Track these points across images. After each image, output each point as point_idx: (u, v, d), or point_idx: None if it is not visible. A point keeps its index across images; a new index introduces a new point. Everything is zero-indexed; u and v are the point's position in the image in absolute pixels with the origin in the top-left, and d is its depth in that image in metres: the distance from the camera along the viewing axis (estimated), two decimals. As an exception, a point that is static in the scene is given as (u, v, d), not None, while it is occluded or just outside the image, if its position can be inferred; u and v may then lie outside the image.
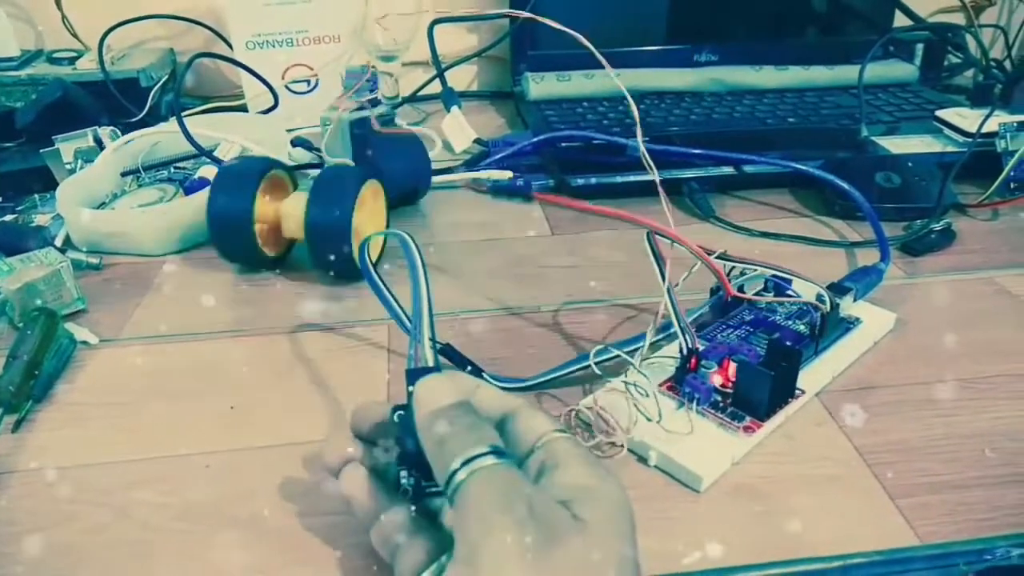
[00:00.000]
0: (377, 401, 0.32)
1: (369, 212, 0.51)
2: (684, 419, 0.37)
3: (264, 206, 0.51)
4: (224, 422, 0.39)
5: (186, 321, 0.48)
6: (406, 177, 0.60)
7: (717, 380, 0.39)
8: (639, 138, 0.43)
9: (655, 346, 0.41)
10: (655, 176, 0.42)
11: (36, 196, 0.63)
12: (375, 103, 0.54)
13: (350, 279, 0.51)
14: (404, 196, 0.61)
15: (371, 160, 0.54)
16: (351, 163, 0.53)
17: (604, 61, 0.44)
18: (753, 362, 0.37)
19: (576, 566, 0.23)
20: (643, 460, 0.36)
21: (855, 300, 0.45)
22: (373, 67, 0.56)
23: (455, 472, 0.25)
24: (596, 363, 0.39)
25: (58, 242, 0.56)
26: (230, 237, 0.51)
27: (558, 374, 0.41)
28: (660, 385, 0.39)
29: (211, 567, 0.32)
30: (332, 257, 0.48)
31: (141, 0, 0.83)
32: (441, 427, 0.27)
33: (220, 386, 0.42)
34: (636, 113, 0.44)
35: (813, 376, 0.40)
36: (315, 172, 0.52)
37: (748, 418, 0.37)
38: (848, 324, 0.44)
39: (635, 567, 0.25)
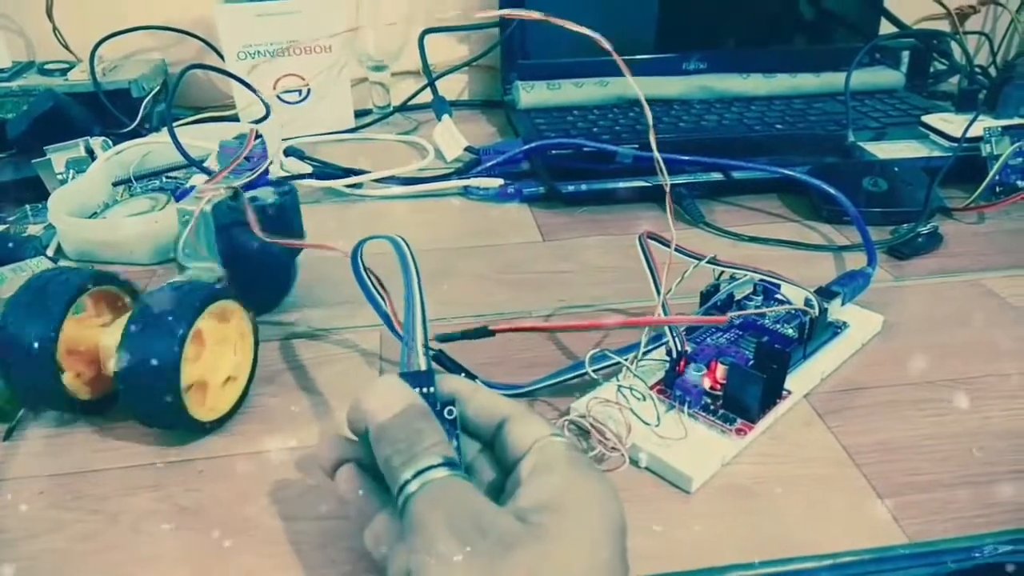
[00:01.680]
0: None
1: (218, 345, 0.39)
2: (675, 421, 0.37)
3: (76, 334, 0.37)
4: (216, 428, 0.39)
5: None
6: (269, 290, 0.49)
7: (707, 383, 0.39)
8: (652, 140, 0.42)
9: (645, 351, 0.41)
10: (666, 181, 0.41)
11: (27, 207, 0.63)
12: (258, 183, 0.43)
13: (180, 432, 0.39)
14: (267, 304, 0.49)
15: (240, 263, 0.42)
16: (216, 268, 0.42)
17: (620, 61, 0.43)
18: (743, 364, 0.38)
19: (524, 573, 0.23)
20: (634, 462, 0.36)
21: (843, 304, 0.46)
22: (258, 133, 0.46)
23: (405, 484, 0.25)
24: (593, 370, 0.39)
25: (50, 252, 0.56)
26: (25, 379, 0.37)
27: (554, 381, 0.41)
28: (650, 388, 0.39)
29: (204, 572, 0.32)
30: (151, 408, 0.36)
31: (132, 11, 0.84)
32: (391, 438, 0.27)
33: (212, 393, 0.42)
34: (650, 116, 0.43)
35: (802, 379, 0.41)
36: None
37: (739, 420, 0.37)
38: (836, 328, 0.45)
39: (612, 570, 0.25)
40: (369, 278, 0.40)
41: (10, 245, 0.54)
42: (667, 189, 0.41)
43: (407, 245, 0.34)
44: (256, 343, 0.41)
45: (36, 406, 0.40)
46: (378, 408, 0.28)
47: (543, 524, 0.25)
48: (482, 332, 0.41)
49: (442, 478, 0.25)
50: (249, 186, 0.44)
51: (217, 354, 0.39)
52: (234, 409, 0.40)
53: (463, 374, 0.41)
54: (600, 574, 0.24)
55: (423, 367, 0.30)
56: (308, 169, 0.69)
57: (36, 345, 0.36)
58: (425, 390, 0.29)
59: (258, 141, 0.45)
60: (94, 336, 0.38)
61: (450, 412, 0.29)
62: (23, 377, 0.37)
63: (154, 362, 0.34)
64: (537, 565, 0.23)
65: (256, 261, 0.44)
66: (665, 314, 0.38)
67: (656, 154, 0.42)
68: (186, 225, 0.41)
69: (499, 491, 0.29)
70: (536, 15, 0.43)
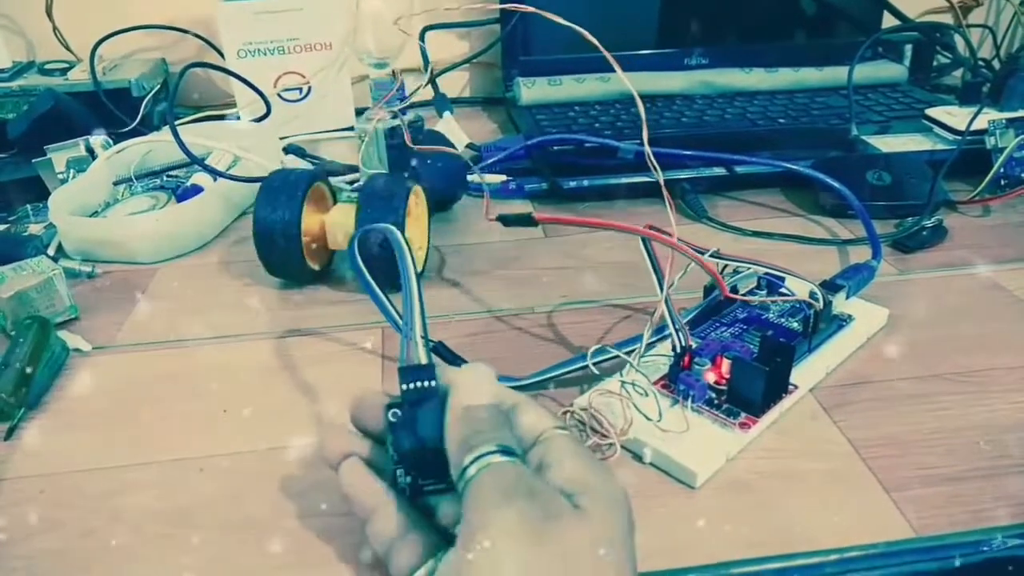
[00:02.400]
0: (376, 391, 0.31)
1: (415, 219, 0.51)
2: (679, 416, 0.37)
3: (309, 218, 0.50)
4: (217, 426, 0.39)
5: (178, 328, 0.48)
6: (443, 184, 0.59)
7: (711, 377, 0.39)
8: (644, 134, 0.42)
9: (648, 345, 0.41)
10: (659, 176, 0.41)
11: (28, 207, 0.63)
12: (404, 112, 0.53)
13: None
14: (440, 203, 0.61)
15: (410, 168, 0.53)
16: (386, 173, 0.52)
17: (610, 57, 0.43)
18: (747, 358, 0.37)
19: (575, 547, 0.24)
20: (638, 458, 0.36)
21: (848, 297, 0.45)
22: (401, 75, 0.56)
23: (467, 467, 0.26)
24: (594, 363, 0.39)
25: (51, 251, 0.56)
26: (277, 251, 0.49)
27: (555, 373, 0.41)
28: (654, 383, 0.39)
29: (205, 570, 0.31)
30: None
31: (132, 11, 0.83)
32: (467, 422, 0.28)
33: (213, 391, 0.42)
34: (642, 109, 0.43)
35: (807, 372, 0.40)
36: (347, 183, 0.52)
37: (743, 414, 0.37)
38: (841, 321, 0.44)
39: (631, 561, 0.25)
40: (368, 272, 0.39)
41: (10, 244, 0.54)
42: (662, 182, 0.41)
43: (403, 236, 0.33)
44: (429, 223, 0.54)
45: (282, 276, 0.52)
46: (468, 393, 0.29)
47: (584, 505, 0.26)
48: (526, 219, 0.45)
49: (499, 462, 0.26)
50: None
51: (413, 224, 0.50)
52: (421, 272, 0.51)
53: (462, 365, 0.41)
54: (628, 556, 0.25)
55: (423, 360, 0.29)
56: (309, 166, 0.69)
57: (286, 227, 0.48)
58: (426, 384, 0.29)
59: (401, 79, 0.58)
60: (318, 220, 0.51)
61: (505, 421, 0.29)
62: (275, 252, 0.49)
63: (391, 221, 0.44)
64: (585, 539, 0.25)
65: (419, 166, 0.54)
66: (668, 306, 0.38)
67: (647, 148, 0.42)
68: (363, 142, 0.51)
69: None
70: (528, 8, 0.43)
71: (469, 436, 0.27)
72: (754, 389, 0.37)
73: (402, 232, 0.43)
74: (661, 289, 0.39)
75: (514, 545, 0.24)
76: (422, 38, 0.85)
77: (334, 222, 0.50)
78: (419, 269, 0.51)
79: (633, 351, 0.39)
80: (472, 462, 0.26)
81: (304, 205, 0.49)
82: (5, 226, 0.61)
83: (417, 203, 0.52)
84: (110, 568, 0.32)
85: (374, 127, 0.51)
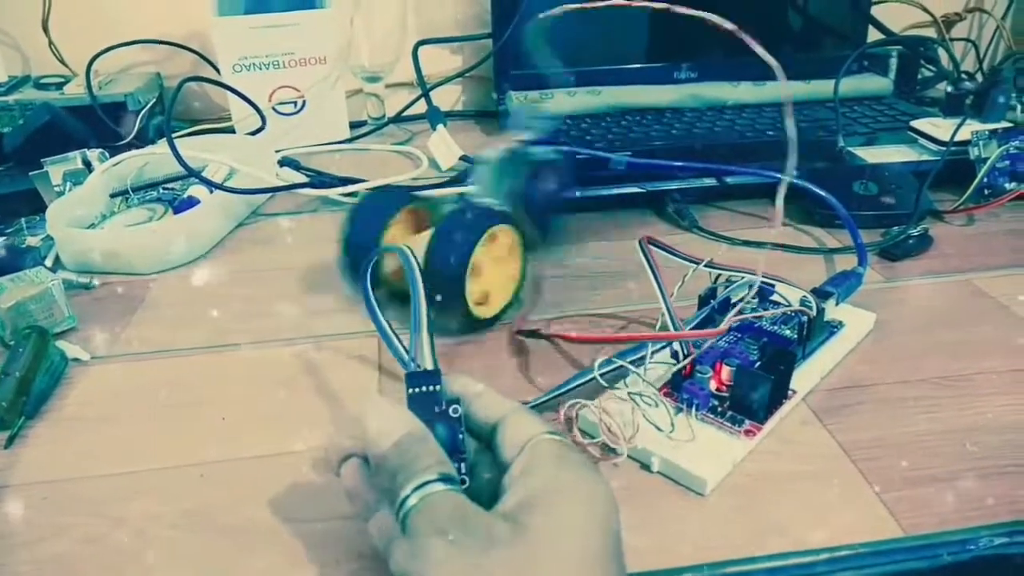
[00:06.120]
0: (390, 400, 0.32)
1: (494, 261, 0.48)
2: (684, 425, 0.37)
3: (394, 238, 0.49)
4: (216, 433, 0.40)
5: (176, 337, 0.48)
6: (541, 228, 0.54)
7: (712, 385, 0.39)
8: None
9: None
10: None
11: (23, 220, 0.63)
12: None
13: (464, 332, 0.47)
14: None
15: (519, 200, 0.50)
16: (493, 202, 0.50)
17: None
18: (749, 367, 0.38)
19: (509, 571, 0.24)
20: (645, 467, 0.36)
21: (837, 303, 0.46)
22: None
23: (405, 499, 0.26)
24: (600, 375, 0.39)
25: (48, 263, 0.56)
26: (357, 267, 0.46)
27: (566, 389, 0.40)
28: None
29: (208, 575, 0.32)
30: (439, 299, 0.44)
31: (127, 26, 0.84)
32: (391, 464, 0.28)
33: (211, 399, 0.42)
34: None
35: (802, 378, 0.41)
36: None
37: (748, 421, 0.37)
38: (833, 327, 0.45)
39: (601, 567, 0.25)
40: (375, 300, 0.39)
41: (8, 256, 0.54)
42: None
43: (414, 256, 0.34)
44: (524, 260, 0.50)
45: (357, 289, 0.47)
46: (377, 436, 0.28)
47: (527, 522, 0.25)
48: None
49: (438, 492, 0.26)
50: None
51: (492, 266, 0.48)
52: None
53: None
54: (586, 571, 0.25)
55: (429, 366, 0.30)
56: (304, 179, 0.70)
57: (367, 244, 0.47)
58: (431, 388, 0.30)
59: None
60: (404, 239, 0.49)
61: (455, 411, 0.29)
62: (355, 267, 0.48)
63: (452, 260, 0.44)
64: (519, 561, 0.24)
65: (530, 203, 0.51)
66: (671, 317, 0.39)
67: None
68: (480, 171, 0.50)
69: (496, 490, 0.29)
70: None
71: (395, 476, 0.27)
72: (758, 396, 0.37)
73: (464, 267, 0.44)
74: (663, 298, 0.40)
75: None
76: (415, 53, 0.86)
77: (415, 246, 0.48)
78: (510, 302, 0.49)
79: (638, 361, 0.39)
80: (413, 491, 0.26)
81: (392, 225, 0.49)
82: (2, 238, 0.61)
83: (498, 245, 0.48)
84: (113, 572, 0.32)
85: (493, 154, 0.50)
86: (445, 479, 0.27)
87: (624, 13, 0.85)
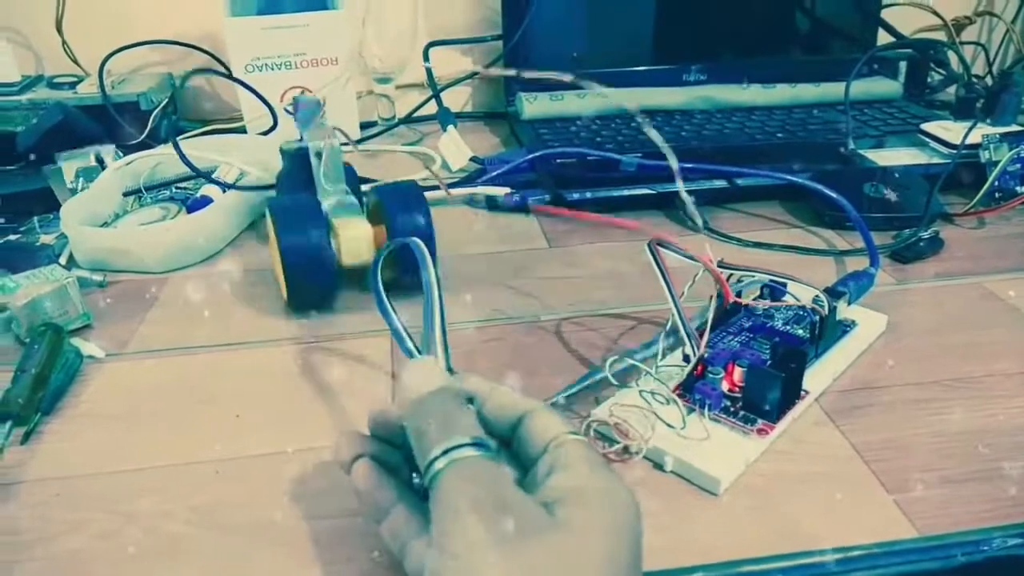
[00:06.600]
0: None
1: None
2: (697, 424, 0.37)
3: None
4: (231, 431, 0.40)
5: (190, 335, 0.48)
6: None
7: (724, 385, 0.39)
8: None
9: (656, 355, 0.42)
10: (681, 187, 0.42)
11: (35, 219, 0.64)
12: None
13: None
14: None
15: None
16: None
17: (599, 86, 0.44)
18: (761, 365, 0.38)
19: (548, 562, 0.24)
20: (658, 466, 0.36)
21: (849, 303, 0.46)
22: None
23: (434, 461, 0.25)
24: (611, 374, 0.39)
25: (63, 260, 0.57)
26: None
27: (579, 387, 0.41)
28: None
29: (222, 571, 0.32)
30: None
31: (140, 26, 0.85)
32: (424, 414, 0.27)
33: (225, 397, 0.43)
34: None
35: (814, 378, 0.41)
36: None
37: (760, 421, 0.37)
38: (845, 327, 0.45)
39: (625, 569, 0.25)
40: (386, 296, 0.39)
41: (23, 254, 0.55)
42: (682, 192, 0.42)
43: (426, 247, 0.34)
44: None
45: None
46: (415, 385, 0.28)
47: (567, 517, 0.25)
48: None
49: (472, 457, 0.26)
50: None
51: None
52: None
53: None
54: (616, 571, 0.25)
55: (441, 362, 0.30)
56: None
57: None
58: None
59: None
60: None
61: (469, 408, 0.30)
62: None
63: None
64: (559, 555, 0.24)
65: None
66: (679, 315, 0.39)
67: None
68: (320, 160, 0.53)
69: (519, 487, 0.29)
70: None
71: (428, 427, 0.26)
72: (770, 395, 0.37)
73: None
74: (672, 298, 0.40)
75: (485, 559, 0.23)
76: (426, 54, 0.86)
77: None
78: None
79: (649, 360, 0.39)
80: (442, 454, 0.25)
81: None
82: (15, 236, 0.61)
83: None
84: (129, 568, 0.32)
85: (329, 144, 0.53)
86: (479, 444, 0.26)
87: (635, 15, 0.85)
